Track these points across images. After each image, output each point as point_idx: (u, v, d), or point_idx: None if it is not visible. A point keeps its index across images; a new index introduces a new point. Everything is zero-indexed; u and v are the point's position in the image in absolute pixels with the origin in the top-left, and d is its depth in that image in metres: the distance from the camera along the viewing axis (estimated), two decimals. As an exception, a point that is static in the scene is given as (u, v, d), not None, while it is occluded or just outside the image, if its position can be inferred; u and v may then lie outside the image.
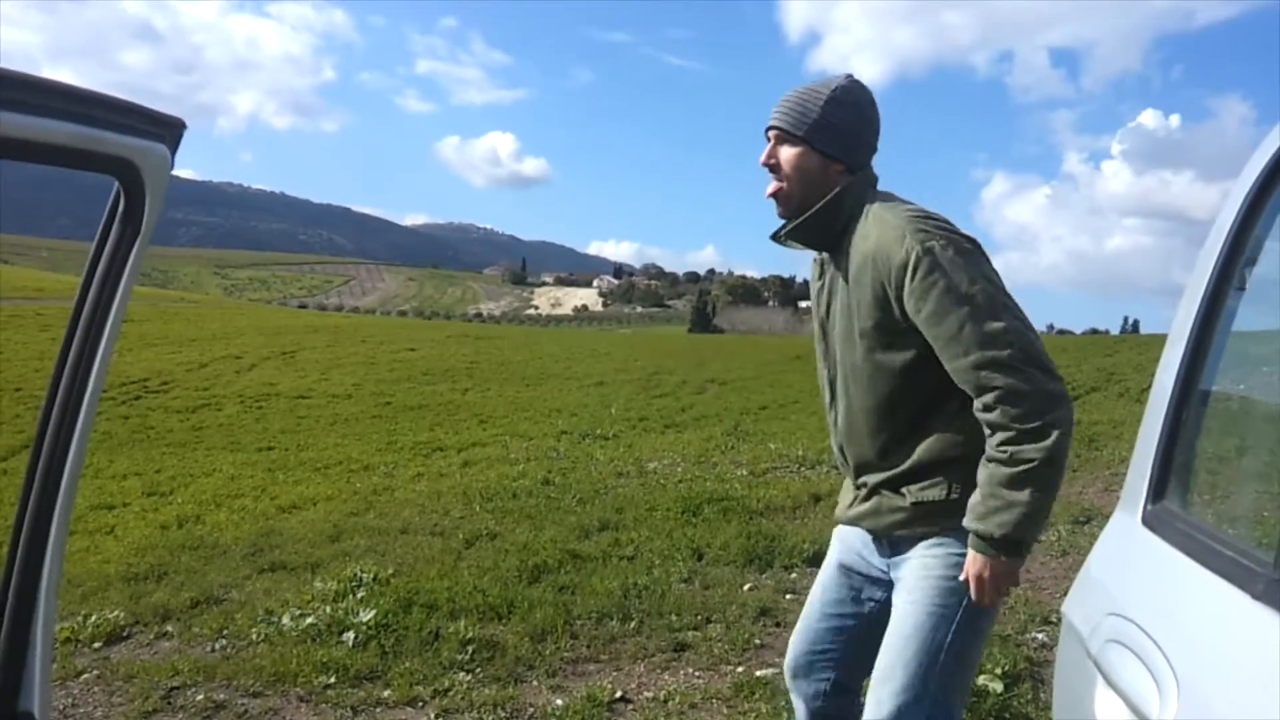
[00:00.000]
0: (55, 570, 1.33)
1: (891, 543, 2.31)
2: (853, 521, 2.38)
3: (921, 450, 2.19)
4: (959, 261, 2.04)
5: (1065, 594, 4.94)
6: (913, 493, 2.21)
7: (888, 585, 2.34)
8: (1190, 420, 1.53)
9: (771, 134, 2.28)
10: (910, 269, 2.05)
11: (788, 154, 2.24)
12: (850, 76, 2.28)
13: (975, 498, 2.07)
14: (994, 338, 2.00)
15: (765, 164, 2.28)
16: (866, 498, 2.32)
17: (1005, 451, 2.00)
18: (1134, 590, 1.47)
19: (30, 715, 1.31)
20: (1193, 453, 1.58)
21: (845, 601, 2.44)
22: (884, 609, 2.32)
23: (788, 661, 2.53)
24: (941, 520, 2.19)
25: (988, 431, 2.05)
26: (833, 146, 2.22)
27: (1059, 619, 4.60)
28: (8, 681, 1.30)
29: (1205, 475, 1.74)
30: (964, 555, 2.12)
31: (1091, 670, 1.42)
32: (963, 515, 2.12)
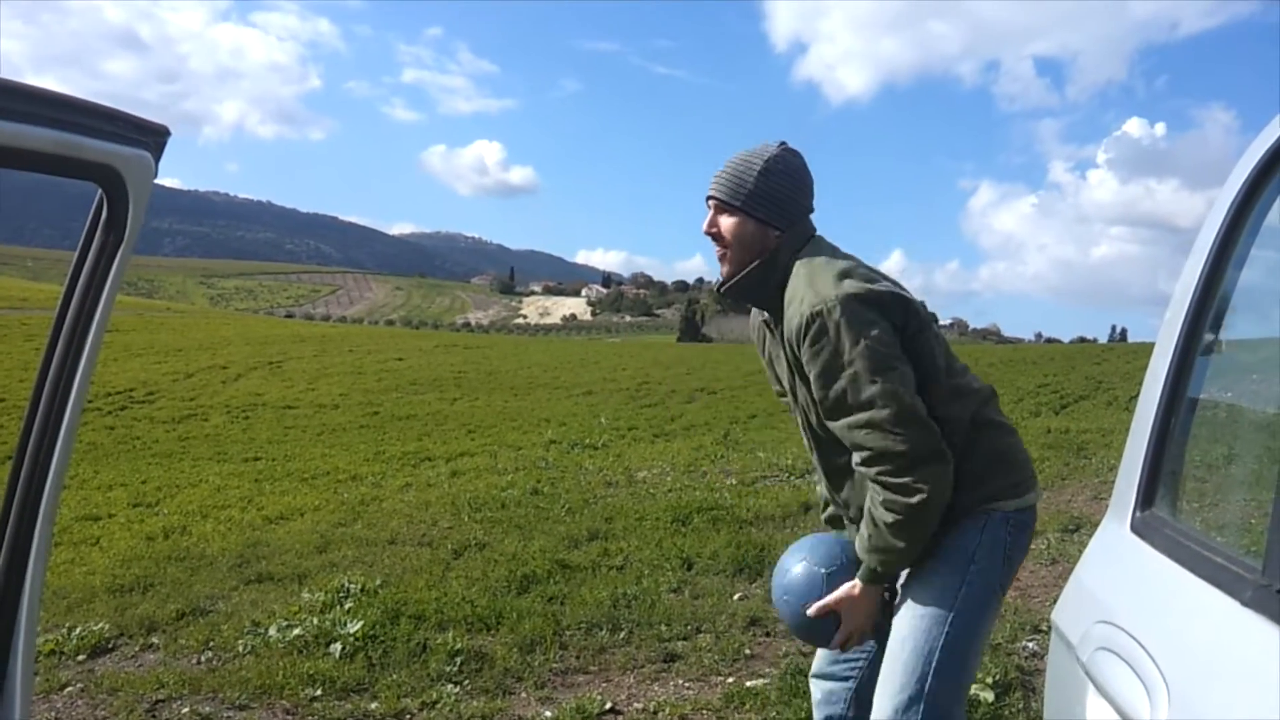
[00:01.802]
0: (38, 582, 1.32)
1: None
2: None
3: None
4: (843, 324, 2.14)
5: (1055, 602, 4.95)
6: None
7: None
8: (1178, 428, 1.53)
9: (711, 203, 2.39)
10: (800, 333, 2.20)
11: (727, 223, 2.35)
12: (783, 144, 2.40)
13: (863, 532, 2.25)
14: (869, 402, 2.13)
15: (707, 233, 2.40)
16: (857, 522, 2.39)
17: (880, 501, 2.17)
18: (1123, 597, 1.47)
19: (11, 728, 1.30)
20: (1181, 460, 1.59)
21: None
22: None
23: (813, 677, 2.65)
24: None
25: (869, 483, 2.21)
26: (767, 213, 2.33)
27: (1049, 627, 4.60)
28: (-12, 694, 1.28)
29: (1194, 483, 1.74)
30: (954, 559, 2.25)
31: (1082, 678, 1.42)
32: (948, 523, 2.23)
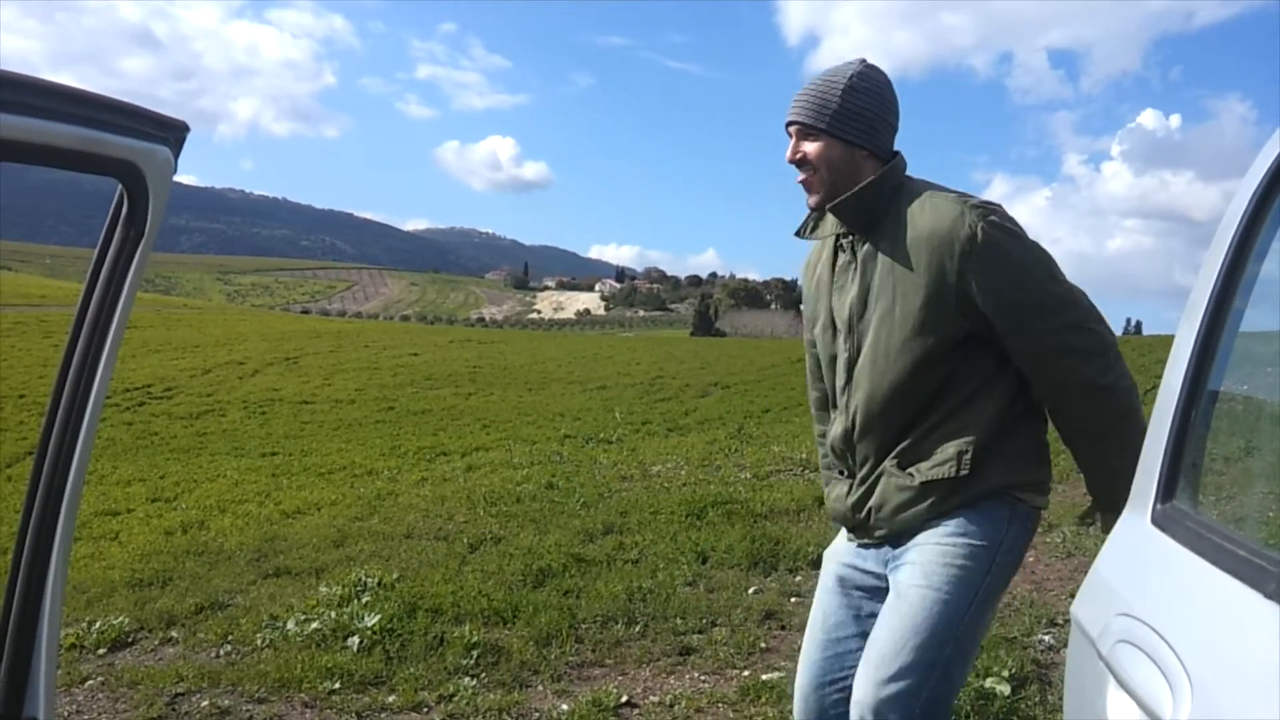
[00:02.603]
0: (60, 576, 1.33)
1: (894, 538, 2.27)
2: (852, 510, 2.34)
3: (938, 430, 2.19)
4: (1018, 234, 2.12)
5: (1072, 595, 4.92)
6: (922, 472, 2.19)
7: (885, 592, 2.29)
8: (1199, 420, 1.52)
9: (792, 129, 2.27)
10: (978, 243, 2.08)
11: (812, 147, 2.24)
12: (864, 61, 2.28)
13: (1108, 468, 2.17)
14: (1069, 301, 2.12)
15: (792, 160, 2.28)
16: (872, 481, 2.29)
17: (1113, 411, 2.14)
18: (1144, 590, 1.47)
19: (35, 720, 1.31)
20: (1202, 452, 1.58)
21: (847, 623, 2.39)
22: None
23: (797, 697, 2.45)
24: (948, 500, 2.17)
25: (1075, 394, 2.14)
26: (856, 134, 2.22)
27: (1065, 621, 4.59)
28: (13, 687, 1.29)
29: (1215, 475, 1.73)
30: (982, 545, 2.13)
31: (1102, 671, 1.41)
32: (970, 491, 2.14)
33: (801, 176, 2.28)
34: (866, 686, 2.14)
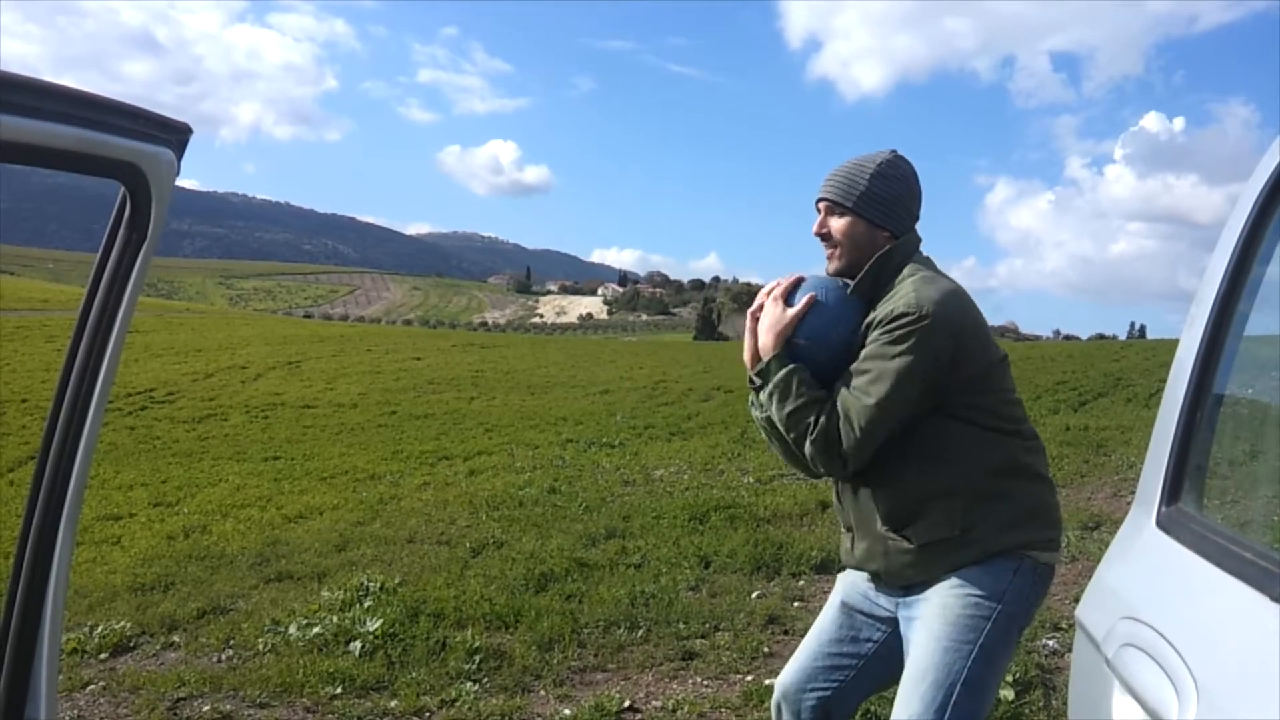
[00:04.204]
0: (62, 581, 1.32)
1: (905, 584, 2.39)
2: (860, 565, 2.48)
3: (922, 492, 2.32)
4: (916, 335, 2.23)
5: (1076, 600, 4.90)
6: (918, 534, 2.31)
7: (890, 624, 2.44)
8: (1204, 423, 1.52)
9: (822, 205, 2.47)
10: (887, 319, 2.27)
11: (838, 224, 2.43)
12: (894, 152, 2.49)
13: (807, 386, 2.35)
14: (866, 394, 2.25)
15: (818, 234, 2.48)
16: (873, 542, 2.41)
17: (812, 432, 2.30)
18: (1150, 593, 1.46)
19: (36, 724, 1.30)
20: (1207, 456, 1.57)
21: (844, 641, 2.52)
22: (881, 649, 2.46)
23: (779, 689, 2.61)
24: (950, 558, 2.29)
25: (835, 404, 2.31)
26: (879, 215, 2.41)
27: (1069, 625, 4.58)
28: (14, 691, 1.29)
29: (1220, 478, 1.73)
30: (984, 595, 2.24)
31: (1107, 674, 1.41)
32: (970, 551, 2.26)
33: (828, 250, 2.48)
34: None
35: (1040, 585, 2.32)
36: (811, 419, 2.29)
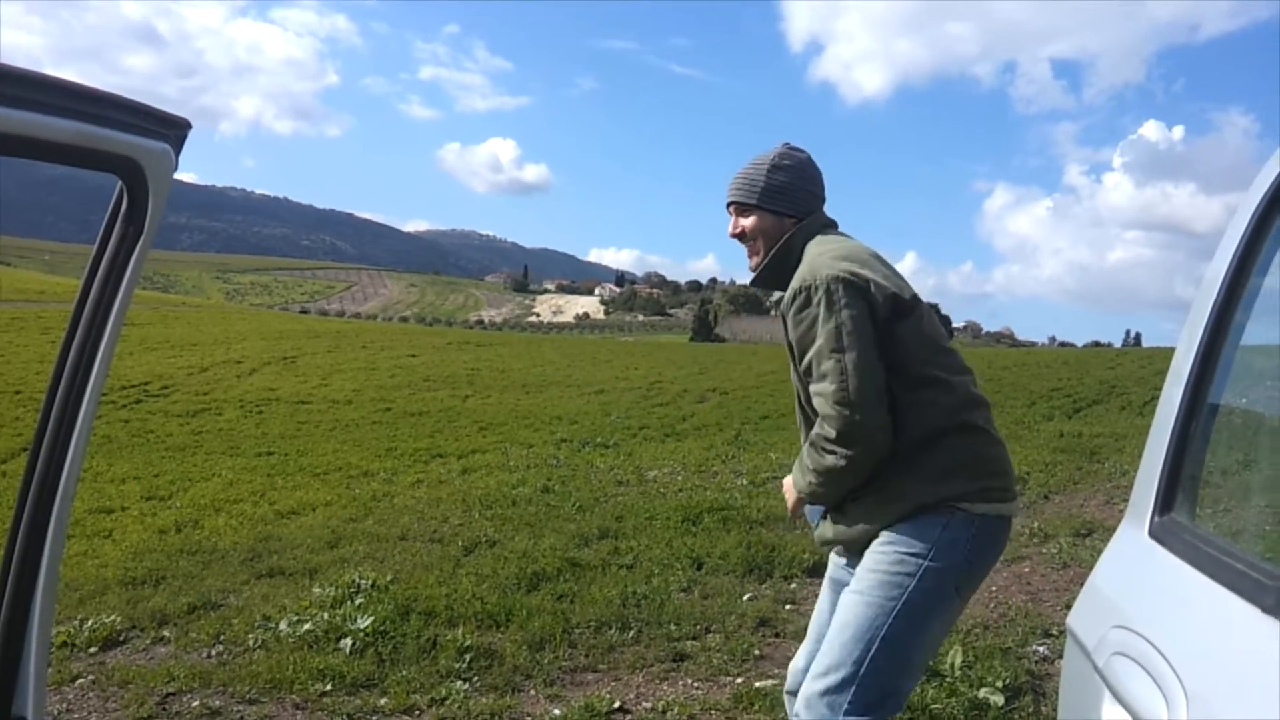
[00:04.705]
0: (52, 574, 1.32)
1: (860, 554, 2.45)
2: (820, 534, 2.60)
3: None
4: (822, 300, 2.31)
5: (1067, 606, 4.91)
6: (855, 500, 2.42)
7: None
8: (1199, 433, 1.52)
9: (731, 208, 2.63)
10: (788, 304, 2.39)
11: (747, 221, 2.58)
12: (786, 144, 2.63)
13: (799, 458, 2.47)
14: (823, 374, 2.29)
15: (733, 235, 2.63)
16: (824, 512, 2.56)
17: (808, 451, 2.40)
18: (1141, 603, 1.46)
19: (23, 719, 1.30)
20: (1200, 465, 1.57)
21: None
22: None
23: (789, 680, 2.66)
24: (877, 515, 2.37)
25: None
26: (781, 204, 2.55)
27: (1060, 632, 4.59)
28: (2, 686, 1.28)
29: (1213, 488, 1.73)
30: (910, 552, 2.29)
31: (1098, 683, 1.41)
32: (896, 506, 2.33)
33: (748, 250, 2.62)
34: (806, 683, 2.37)
35: (983, 538, 2.33)
36: (822, 462, 2.35)
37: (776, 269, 2.55)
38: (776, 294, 2.67)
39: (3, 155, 1.07)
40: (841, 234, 2.58)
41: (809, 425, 2.48)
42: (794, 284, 2.38)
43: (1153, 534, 1.51)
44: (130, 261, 1.27)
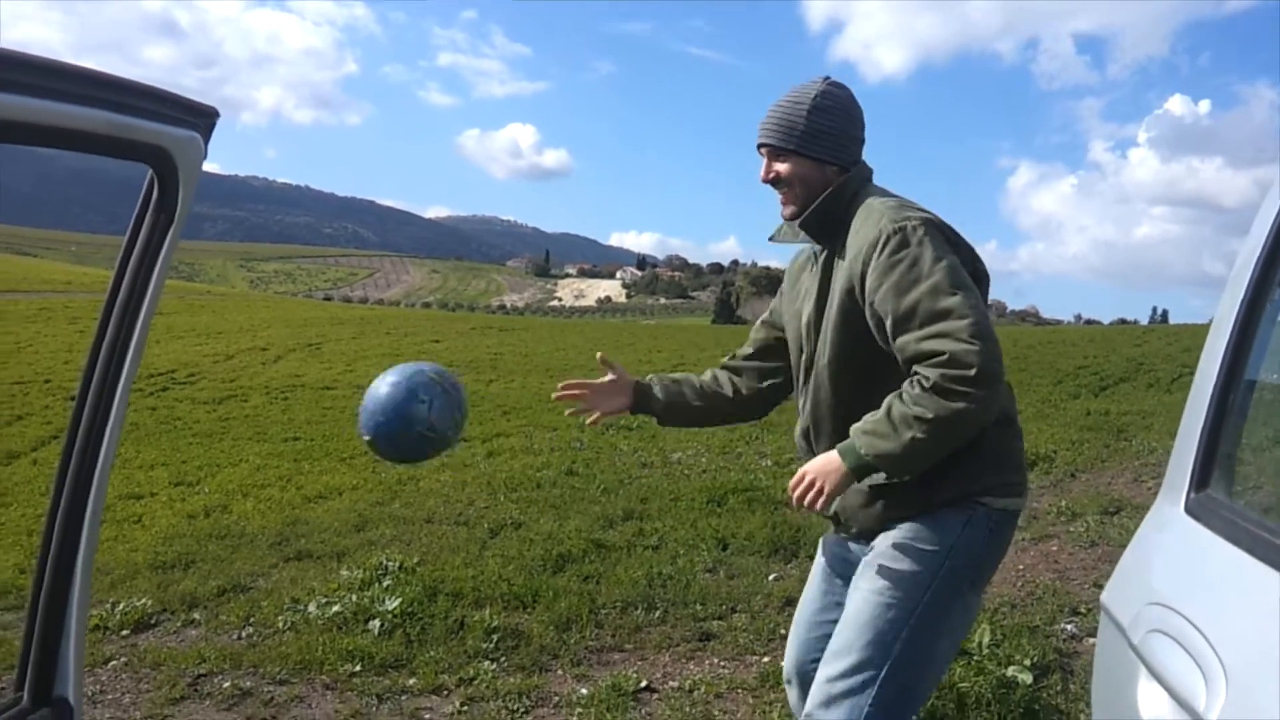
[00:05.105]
0: (88, 560, 1.33)
1: (864, 533, 2.36)
2: (830, 514, 2.43)
3: None
4: (926, 240, 2.12)
5: (1095, 585, 4.89)
6: (870, 477, 2.24)
7: None
8: (1235, 409, 1.50)
9: (763, 150, 2.38)
10: (879, 245, 2.14)
11: (783, 167, 2.34)
12: (828, 79, 2.36)
13: (870, 418, 2.12)
14: (947, 311, 2.04)
15: (765, 180, 2.39)
16: None
17: (915, 397, 2.05)
18: (1177, 579, 1.45)
19: (65, 700, 1.32)
20: (1237, 441, 1.56)
21: (829, 608, 2.49)
22: None
23: (785, 671, 2.61)
24: (904, 504, 2.24)
25: (919, 381, 2.07)
26: (822, 150, 2.32)
27: (1088, 610, 4.56)
28: (44, 668, 1.30)
29: (1250, 464, 1.71)
30: (931, 550, 2.18)
31: (1134, 661, 1.40)
32: (925, 498, 2.20)
33: (781, 195, 2.39)
34: (817, 684, 2.24)
35: (997, 534, 2.24)
36: (950, 406, 2.02)
37: (824, 214, 2.33)
38: (803, 247, 2.52)
39: (36, 145, 1.08)
40: (889, 192, 2.36)
41: (820, 390, 2.34)
42: (881, 226, 2.16)
43: (1189, 510, 1.49)
44: (162, 250, 1.28)
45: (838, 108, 2.33)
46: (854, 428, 2.16)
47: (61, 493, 1.31)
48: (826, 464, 2.17)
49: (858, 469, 2.13)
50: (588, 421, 2.61)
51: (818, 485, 2.18)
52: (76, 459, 1.30)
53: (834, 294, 2.29)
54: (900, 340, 2.11)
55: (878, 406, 2.17)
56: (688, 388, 2.72)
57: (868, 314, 2.19)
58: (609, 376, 2.70)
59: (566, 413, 2.52)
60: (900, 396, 2.09)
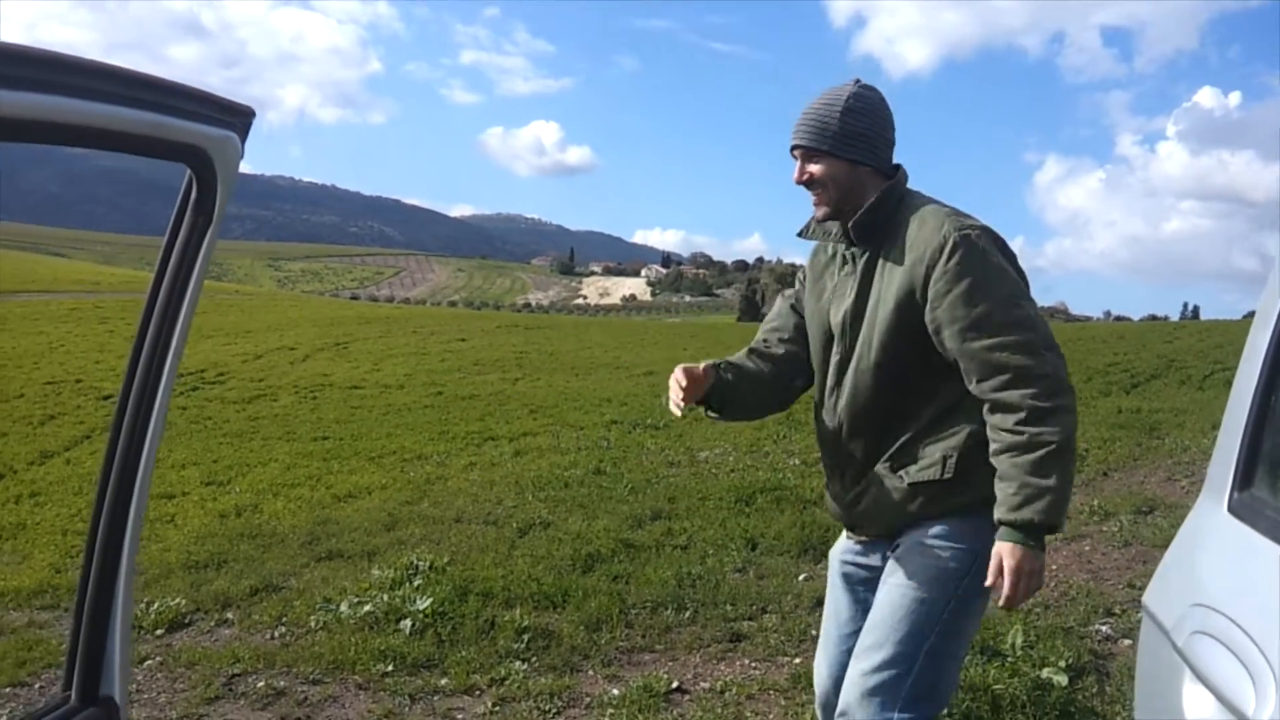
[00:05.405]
0: (132, 560, 1.34)
1: (891, 534, 2.38)
2: (847, 508, 2.45)
3: (925, 435, 2.28)
4: (992, 250, 2.18)
5: (1129, 585, 4.83)
6: (910, 474, 2.28)
7: None
8: (1278, 407, 1.48)
9: (797, 153, 2.40)
10: (945, 252, 2.17)
11: (817, 168, 2.36)
12: (859, 81, 2.39)
13: (1005, 489, 2.11)
14: (1017, 323, 2.13)
15: (799, 182, 2.41)
16: (865, 483, 2.38)
17: (1023, 434, 2.08)
18: (1223, 580, 1.43)
19: (111, 700, 1.33)
20: (1282, 440, 1.53)
21: (857, 617, 2.48)
22: None
23: (819, 694, 2.59)
24: (938, 503, 2.26)
25: (997, 413, 2.13)
26: (856, 152, 2.34)
27: (1122, 610, 4.51)
28: (91, 667, 1.31)
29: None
30: (962, 549, 2.22)
31: (1178, 662, 1.38)
32: (959, 498, 2.22)
33: (814, 196, 2.40)
34: (851, 679, 2.28)
35: None
36: (1065, 423, 2.09)
37: (875, 215, 2.34)
38: (829, 245, 2.50)
39: (76, 146, 1.08)
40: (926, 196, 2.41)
41: (855, 391, 2.33)
42: (945, 232, 2.18)
43: (1233, 510, 1.47)
44: (201, 250, 1.28)
45: (870, 110, 2.35)
46: (1003, 515, 2.11)
47: (105, 495, 1.31)
48: (1020, 561, 2.10)
49: (1039, 539, 2.11)
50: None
51: (1033, 582, 2.13)
52: (119, 461, 1.31)
53: (885, 297, 2.29)
54: (967, 347, 2.16)
55: (911, 407, 2.26)
56: (745, 383, 2.64)
57: (928, 315, 2.22)
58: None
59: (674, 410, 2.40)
60: (1013, 449, 2.10)
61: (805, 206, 2.46)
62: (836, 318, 2.42)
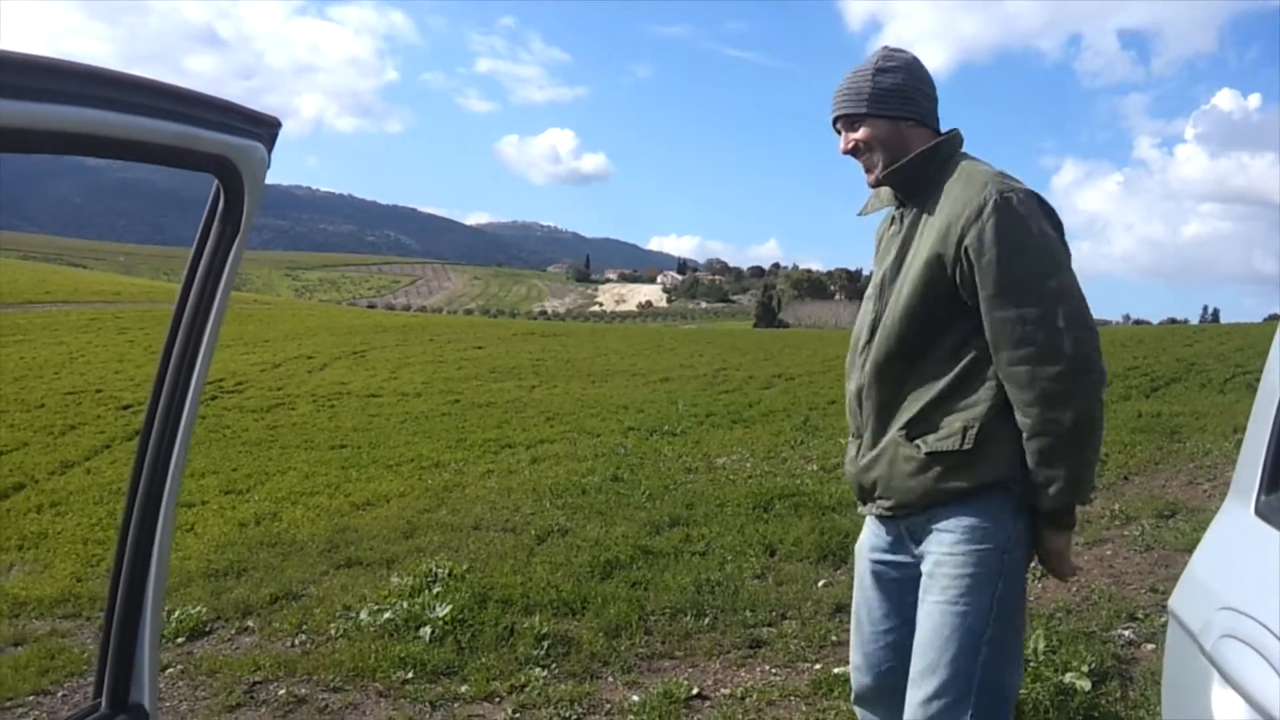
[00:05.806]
0: (162, 569, 1.35)
1: (912, 529, 2.32)
2: (861, 473, 2.39)
3: (946, 404, 2.23)
4: (1033, 213, 2.13)
5: (1152, 589, 4.80)
6: (928, 443, 2.23)
7: (918, 580, 2.33)
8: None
9: (839, 124, 2.38)
10: (983, 214, 2.12)
11: (859, 133, 2.33)
12: (887, 46, 2.38)
13: (1036, 477, 2.12)
14: (1048, 295, 2.08)
15: (846, 151, 2.38)
16: (880, 449, 2.33)
17: (1031, 417, 2.09)
18: (1251, 583, 1.42)
19: (141, 707, 1.34)
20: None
21: (891, 614, 2.44)
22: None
23: (856, 688, 2.54)
24: (952, 477, 2.20)
25: (1011, 388, 2.12)
26: (894, 108, 2.31)
27: (1145, 615, 4.49)
28: (121, 675, 1.32)
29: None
30: (991, 548, 2.17)
31: (1206, 666, 1.37)
32: (972, 473, 2.17)
33: (864, 163, 2.37)
34: (912, 707, 2.22)
35: (1023, 514, 2.22)
36: (1097, 392, 2.10)
37: (918, 169, 2.30)
38: (886, 212, 2.48)
39: (104, 157, 1.09)
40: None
41: (900, 354, 2.27)
42: (987, 192, 2.14)
43: (1260, 513, 1.46)
44: (228, 260, 1.29)
45: (901, 66, 2.33)
46: (1043, 499, 2.15)
47: (134, 504, 1.32)
48: (1059, 541, 2.21)
49: (1053, 523, 2.19)
50: None
51: (1068, 558, 2.25)
52: (148, 470, 1.32)
53: (919, 250, 2.26)
54: (994, 316, 2.13)
55: (932, 369, 2.23)
56: None
57: (957, 275, 2.17)
58: None
59: None
60: (1039, 434, 2.10)
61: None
62: (878, 276, 2.41)
